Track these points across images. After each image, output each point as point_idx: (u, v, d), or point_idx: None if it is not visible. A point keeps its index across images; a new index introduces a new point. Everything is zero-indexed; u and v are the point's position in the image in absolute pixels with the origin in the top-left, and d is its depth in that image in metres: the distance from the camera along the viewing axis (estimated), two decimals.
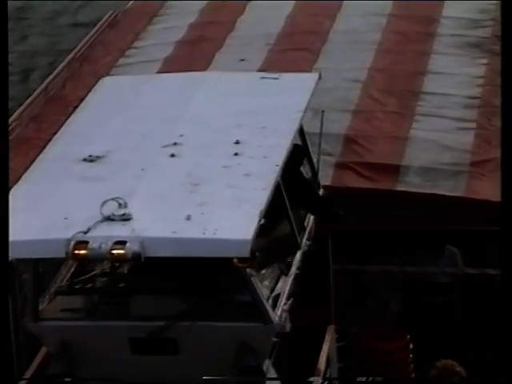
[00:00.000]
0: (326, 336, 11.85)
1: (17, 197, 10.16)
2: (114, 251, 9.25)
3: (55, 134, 12.80)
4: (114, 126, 11.88)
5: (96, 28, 19.28)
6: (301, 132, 12.33)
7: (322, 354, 11.59)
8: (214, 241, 9.43)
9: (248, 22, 18.15)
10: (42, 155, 11.49)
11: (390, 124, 14.66)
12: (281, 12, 18.29)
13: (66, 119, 13.27)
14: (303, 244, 11.66)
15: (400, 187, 13.24)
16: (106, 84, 13.32)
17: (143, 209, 9.86)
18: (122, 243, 9.25)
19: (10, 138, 15.27)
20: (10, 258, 8.56)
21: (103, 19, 19.84)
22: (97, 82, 15.96)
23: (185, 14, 19.03)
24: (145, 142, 11.42)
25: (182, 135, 11.38)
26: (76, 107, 14.26)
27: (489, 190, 13.13)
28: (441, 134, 14.44)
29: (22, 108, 16.57)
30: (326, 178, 13.14)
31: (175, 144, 11.16)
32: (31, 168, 11.24)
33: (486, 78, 15.91)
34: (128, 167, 10.84)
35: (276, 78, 12.72)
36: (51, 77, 17.70)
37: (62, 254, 9.49)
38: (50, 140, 12.67)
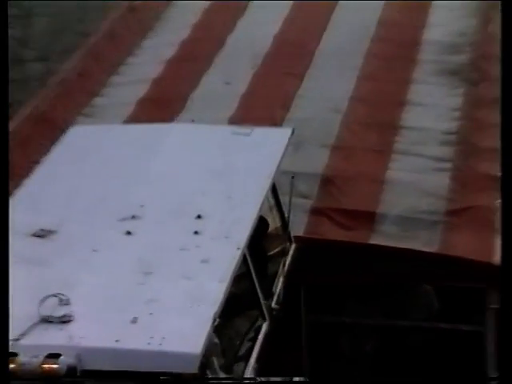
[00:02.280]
0: None
1: None
2: (45, 365, 6.68)
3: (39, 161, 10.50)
4: (74, 189, 9.27)
5: (93, 39, 16.84)
6: (273, 189, 9.77)
7: None
8: (158, 354, 6.86)
9: (237, 40, 15.55)
10: None
11: (368, 163, 12.12)
12: (269, 30, 15.65)
13: (52, 145, 10.78)
14: (270, 313, 9.10)
15: (375, 238, 10.75)
16: (73, 135, 10.63)
17: (87, 306, 7.32)
18: (55, 356, 6.70)
19: None
20: None
21: (100, 29, 17.36)
22: (88, 101, 14.22)
23: (179, 28, 16.39)
24: (103, 211, 8.84)
25: (142, 205, 8.80)
26: (63, 130, 11.88)
27: (464, 243, 10.71)
28: (418, 175, 11.92)
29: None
30: (300, 225, 10.72)
31: (133, 217, 8.61)
32: None
33: (462, 110, 13.26)
34: (79, 247, 8.27)
35: (247, 134, 10.17)
36: (43, 93, 15.26)
37: None
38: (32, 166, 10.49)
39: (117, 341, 6.92)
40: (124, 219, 8.52)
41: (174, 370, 6.89)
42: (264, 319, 8.88)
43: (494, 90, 13.70)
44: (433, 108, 13.31)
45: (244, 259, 8.39)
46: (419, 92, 13.68)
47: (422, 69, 14.33)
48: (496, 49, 14.91)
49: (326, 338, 10.85)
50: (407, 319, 10.97)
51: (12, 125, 14.07)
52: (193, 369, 6.78)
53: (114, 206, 8.77)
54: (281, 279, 9.58)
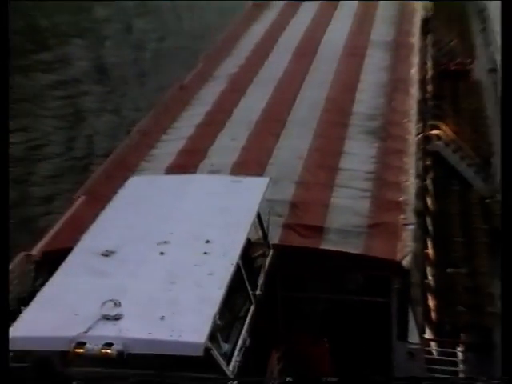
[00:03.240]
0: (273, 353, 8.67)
1: (50, 289, 7.16)
2: (103, 351, 6.02)
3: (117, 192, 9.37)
4: (129, 223, 8.31)
5: (153, 110, 15.72)
6: (258, 216, 8.67)
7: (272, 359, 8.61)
8: (177, 342, 6.11)
9: (240, 112, 14.40)
10: (76, 248, 7.90)
11: (320, 193, 11.01)
12: (259, 105, 14.46)
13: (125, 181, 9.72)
14: (256, 298, 8.11)
15: (324, 244, 9.72)
16: (132, 183, 9.56)
17: (131, 307, 6.46)
18: (109, 344, 6.03)
19: (87, 187, 12.22)
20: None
21: (156, 106, 16.22)
22: (148, 151, 13.18)
23: (205, 104, 15.26)
24: (146, 237, 7.86)
25: (171, 233, 7.87)
26: (133, 171, 11.13)
27: (378, 247, 9.69)
28: (350, 201, 10.90)
29: (101, 167, 13.10)
30: (276, 236, 9.59)
31: (165, 242, 7.67)
32: (66, 260, 7.66)
33: (376, 157, 12.17)
34: (129, 263, 7.35)
35: (241, 182, 9.15)
36: (122, 145, 14.16)
37: (67, 349, 6.16)
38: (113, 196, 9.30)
39: (150, 333, 6.19)
40: (159, 243, 7.61)
41: (187, 354, 6.19)
42: (251, 303, 7.97)
43: (396, 144, 12.79)
44: (359, 156, 12.25)
45: (238, 267, 7.48)
46: (351, 145, 12.62)
47: (352, 130, 13.25)
48: (397, 117, 13.96)
49: (294, 305, 9.85)
50: (345, 289, 9.99)
51: (102, 166, 13.16)
52: (200, 353, 6.11)
53: (154, 234, 7.84)
54: (262, 274, 8.59)
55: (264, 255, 8.93)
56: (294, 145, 12.48)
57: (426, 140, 16.06)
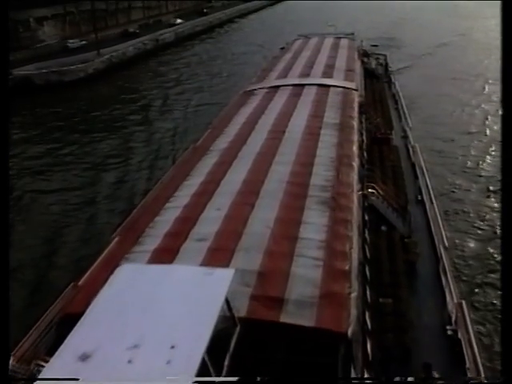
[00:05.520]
0: None
1: None
2: None
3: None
4: (109, 321, 5.87)
5: (162, 179, 13.52)
6: (226, 300, 6.43)
7: None
8: None
9: (226, 183, 11.91)
10: (60, 349, 5.47)
11: (282, 262, 8.64)
12: (240, 177, 11.97)
13: (133, 246, 7.35)
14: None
15: (283, 317, 7.37)
16: (121, 272, 7.05)
17: None
18: None
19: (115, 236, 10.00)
20: None
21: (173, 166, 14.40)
22: (151, 219, 10.47)
23: (200, 175, 12.73)
24: (120, 340, 5.46)
25: (142, 336, 5.41)
26: (139, 234, 8.48)
27: (328, 318, 7.33)
28: (305, 269, 8.51)
29: (122, 225, 10.71)
30: (243, 308, 7.29)
31: (135, 347, 5.27)
32: (49, 364, 5.34)
33: (327, 226, 9.80)
34: (101, 371, 5.00)
35: (211, 274, 6.76)
36: (138, 208, 11.95)
37: None
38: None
39: None
40: (129, 348, 5.27)
41: None
42: None
43: (343, 214, 10.38)
44: (314, 225, 9.84)
45: (202, 360, 5.19)
46: (308, 214, 10.22)
47: (310, 200, 10.85)
48: (343, 188, 11.55)
49: (263, 361, 7.26)
50: (299, 352, 7.36)
51: (116, 233, 10.62)
52: None
53: (127, 336, 5.47)
54: (228, 356, 6.22)
55: (232, 331, 6.61)
56: (264, 215, 10.11)
57: (364, 196, 13.91)
